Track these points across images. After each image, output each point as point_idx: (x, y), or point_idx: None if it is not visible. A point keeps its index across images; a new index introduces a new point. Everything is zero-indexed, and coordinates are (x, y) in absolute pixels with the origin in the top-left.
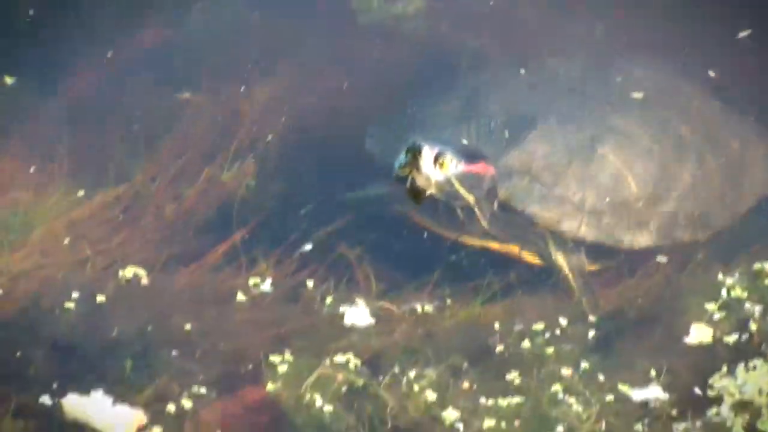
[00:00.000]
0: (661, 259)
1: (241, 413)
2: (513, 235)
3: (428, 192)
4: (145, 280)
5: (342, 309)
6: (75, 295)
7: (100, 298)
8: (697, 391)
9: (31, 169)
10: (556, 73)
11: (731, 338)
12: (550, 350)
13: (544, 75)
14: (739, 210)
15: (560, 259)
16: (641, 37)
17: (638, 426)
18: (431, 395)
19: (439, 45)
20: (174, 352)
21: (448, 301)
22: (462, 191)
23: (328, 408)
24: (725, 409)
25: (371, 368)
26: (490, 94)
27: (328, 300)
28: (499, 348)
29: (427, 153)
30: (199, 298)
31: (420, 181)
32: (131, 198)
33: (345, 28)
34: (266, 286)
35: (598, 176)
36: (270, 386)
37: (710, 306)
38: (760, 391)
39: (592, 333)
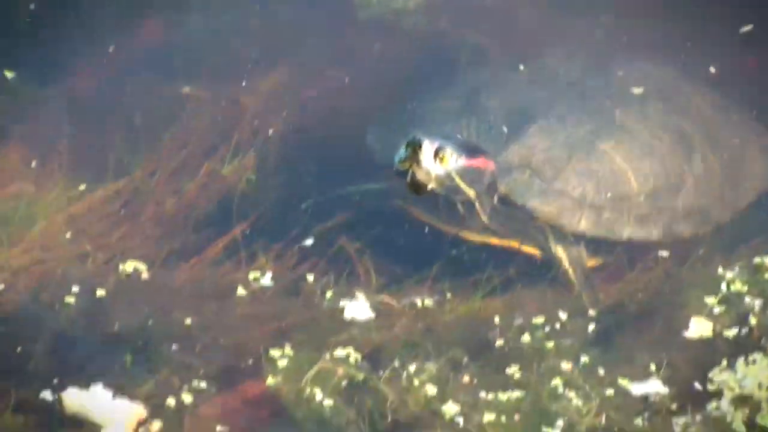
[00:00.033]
0: (663, 253)
1: (242, 407)
2: (513, 230)
3: (428, 186)
4: (145, 275)
5: (342, 303)
6: (75, 289)
7: (101, 293)
8: (697, 385)
9: (32, 164)
10: (556, 69)
11: (731, 332)
12: (550, 344)
13: (544, 70)
14: (739, 204)
15: (560, 253)
16: (642, 33)
17: (638, 420)
18: (431, 389)
19: (439, 40)
20: (174, 347)
21: (448, 295)
22: (462, 185)
23: (329, 402)
24: (725, 404)
25: (371, 362)
26: (490, 90)
27: (329, 294)
28: (499, 342)
29: (428, 147)
30: (200, 292)
31: (420, 175)
32: (131, 192)
33: (345, 22)
34: (266, 280)
35: (598, 171)
36: (270, 380)
37: (710, 300)
38: (759, 386)
39: (592, 327)
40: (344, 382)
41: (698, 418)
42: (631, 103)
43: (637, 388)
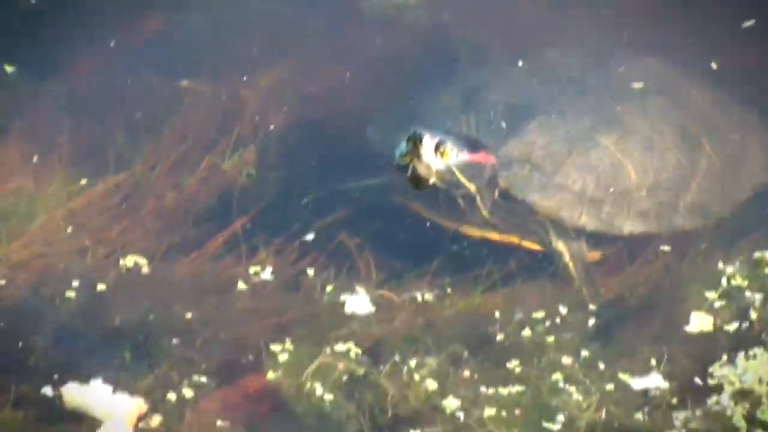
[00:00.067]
0: (665, 248)
1: (242, 402)
2: (514, 224)
3: (429, 181)
4: (145, 269)
5: (342, 297)
6: (75, 284)
7: (101, 287)
8: (698, 379)
9: (32, 159)
10: (556, 64)
11: (732, 327)
12: (550, 339)
13: (544, 66)
14: (739, 199)
15: (561, 247)
16: (643, 29)
17: (638, 415)
18: (432, 384)
19: (440, 35)
20: (175, 341)
21: (449, 289)
22: (463, 180)
23: (329, 397)
24: (725, 398)
25: (372, 357)
26: (490, 85)
27: (329, 288)
28: (500, 337)
29: (428, 141)
30: (200, 286)
31: (421, 170)
32: (132, 187)
33: (347, 17)
34: (267, 274)
35: (598, 166)
36: (271, 375)
37: (711, 294)
38: (760, 380)
39: (592, 321)
40: (345, 377)
41: (698, 412)
42: (631, 98)
43: (637, 383)
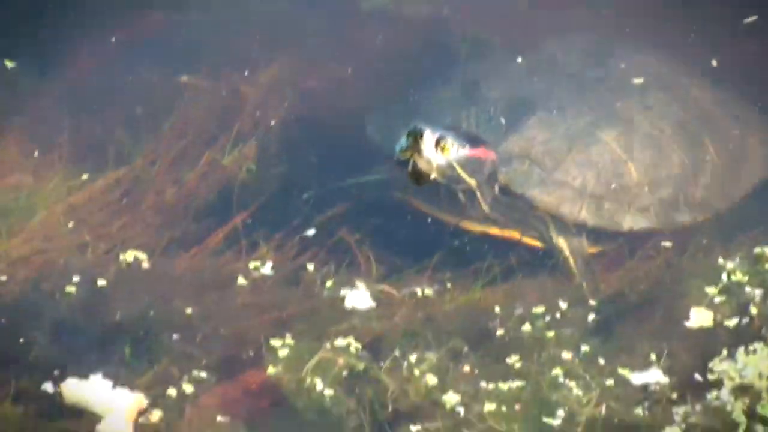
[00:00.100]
0: (665, 243)
1: (242, 397)
2: (514, 220)
3: (430, 176)
4: (145, 264)
5: (343, 292)
6: (76, 279)
7: (101, 283)
8: (697, 375)
9: (32, 154)
10: (556, 60)
11: (731, 322)
12: (550, 334)
13: (544, 61)
14: (739, 195)
15: (561, 242)
16: (644, 25)
17: (638, 410)
18: (432, 379)
19: (440, 31)
20: (175, 336)
21: (449, 285)
22: (463, 175)
23: (329, 392)
24: (725, 393)
25: (372, 352)
26: (490, 81)
27: (329, 283)
28: (500, 332)
29: (429, 136)
30: (200, 282)
31: (421, 165)
32: (132, 182)
33: (347, 13)
34: (267, 269)
35: (598, 161)
36: (271, 370)
37: (711, 290)
38: (760, 375)
39: (592, 316)
40: (345, 372)
41: (698, 407)
42: (632, 94)
43: (637, 378)
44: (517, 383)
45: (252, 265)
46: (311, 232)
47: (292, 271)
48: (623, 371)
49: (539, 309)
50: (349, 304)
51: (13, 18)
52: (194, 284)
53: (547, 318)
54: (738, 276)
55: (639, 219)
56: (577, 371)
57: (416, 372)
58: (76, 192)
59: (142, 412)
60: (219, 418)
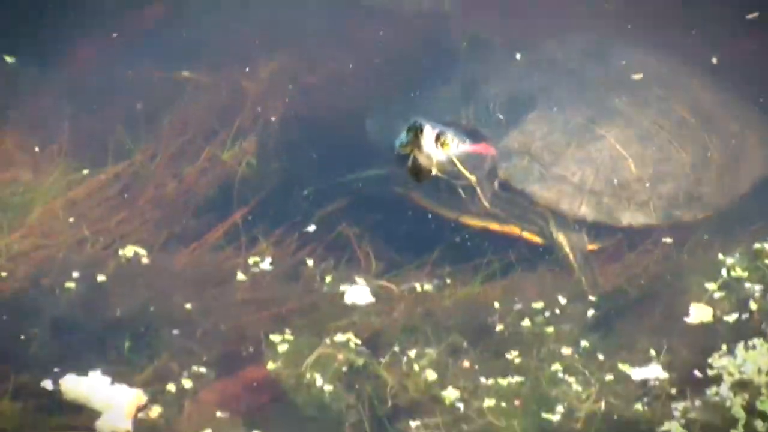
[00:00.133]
0: (664, 239)
1: (242, 393)
2: (514, 215)
3: (429, 171)
4: (145, 260)
5: (342, 288)
6: (75, 274)
7: (101, 278)
8: (697, 370)
9: (32, 149)
10: (555, 56)
11: (731, 318)
12: (549, 329)
13: (543, 57)
14: (739, 190)
15: (560, 238)
16: (643, 22)
17: (638, 405)
18: (431, 374)
19: (441, 27)
20: (174, 332)
21: (448, 280)
22: (463, 171)
23: (329, 387)
24: (725, 389)
25: (371, 347)
26: (490, 77)
27: (329, 279)
28: (499, 327)
29: (429, 132)
30: (200, 277)
31: (421, 160)
32: (131, 177)
33: (348, 8)
34: (266, 265)
35: (598, 157)
36: (270, 365)
37: (710, 285)
38: (759, 371)
39: (591, 312)
40: (344, 368)
41: (698, 403)
42: (631, 90)
43: (636, 373)
44: (516, 379)
45: (251, 260)
46: (311, 228)
47: (291, 267)
48: (623, 367)
49: (539, 304)
50: (348, 299)
51: (13, 13)
52: (194, 280)
53: (547, 313)
54: (738, 272)
55: (638, 215)
56: (576, 367)
57: (416, 367)
58: (76, 187)
59: (141, 408)
60: (218, 414)
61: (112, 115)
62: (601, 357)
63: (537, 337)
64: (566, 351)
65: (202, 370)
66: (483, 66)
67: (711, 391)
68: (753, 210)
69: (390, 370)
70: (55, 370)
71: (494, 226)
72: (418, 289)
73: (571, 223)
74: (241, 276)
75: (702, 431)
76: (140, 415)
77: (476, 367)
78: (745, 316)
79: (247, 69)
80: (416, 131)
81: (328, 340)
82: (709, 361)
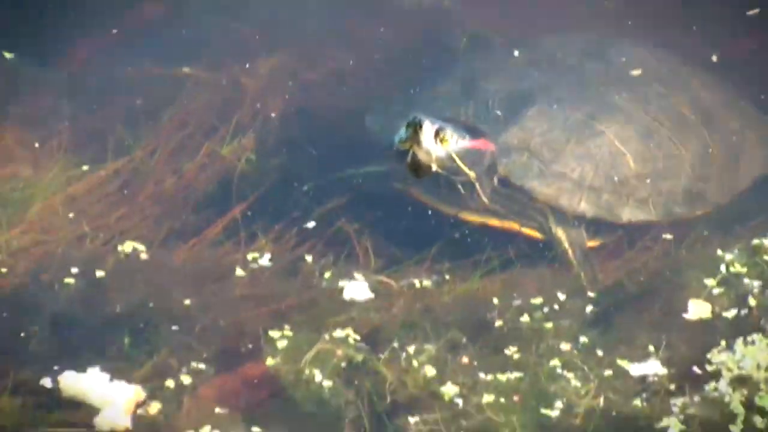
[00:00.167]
0: (664, 235)
1: (241, 388)
2: (513, 211)
3: (429, 167)
4: (144, 255)
5: (341, 284)
6: (74, 270)
7: (100, 274)
8: (696, 366)
9: (32, 145)
10: (554, 52)
11: (730, 313)
12: (548, 325)
13: (543, 54)
14: (738, 187)
15: (560, 234)
16: (645, 20)
17: (636, 401)
18: (430, 370)
19: (441, 23)
20: (173, 328)
21: (447, 276)
22: (462, 167)
23: (328, 383)
24: (723, 384)
25: (370, 343)
26: (490, 73)
27: (328, 275)
28: (498, 323)
29: (428, 127)
30: (199, 273)
31: (420, 156)
32: (131, 173)
33: (348, 5)
34: (265, 260)
35: (597, 153)
36: (269, 361)
37: (710, 281)
38: (758, 366)
39: (590, 308)
40: (343, 363)
41: (696, 398)
42: (631, 86)
43: (635, 369)
44: (515, 374)
45: (251, 256)
46: (311, 224)
47: (290, 263)
48: (622, 362)
49: (538, 300)
50: (347, 295)
51: (13, 8)
52: (193, 275)
53: (546, 309)
54: (737, 267)
55: (637, 211)
56: (575, 362)
57: (415, 363)
58: (76, 183)
59: (140, 404)
60: (217, 410)
61: (112, 111)
62: (600, 353)
63: (536, 333)
64: (565, 347)
65: (201, 366)
66: (483, 63)
67: (710, 386)
68: (752, 206)
69: (389, 365)
70: (55, 367)
71: (493, 222)
72: (417, 284)
73: (571, 219)
74: (240, 272)
75: (701, 427)
76: (139, 411)
77: (475, 362)
78: (744, 311)
79: (247, 65)
80: (415, 127)
81: (327, 336)
82: (708, 356)
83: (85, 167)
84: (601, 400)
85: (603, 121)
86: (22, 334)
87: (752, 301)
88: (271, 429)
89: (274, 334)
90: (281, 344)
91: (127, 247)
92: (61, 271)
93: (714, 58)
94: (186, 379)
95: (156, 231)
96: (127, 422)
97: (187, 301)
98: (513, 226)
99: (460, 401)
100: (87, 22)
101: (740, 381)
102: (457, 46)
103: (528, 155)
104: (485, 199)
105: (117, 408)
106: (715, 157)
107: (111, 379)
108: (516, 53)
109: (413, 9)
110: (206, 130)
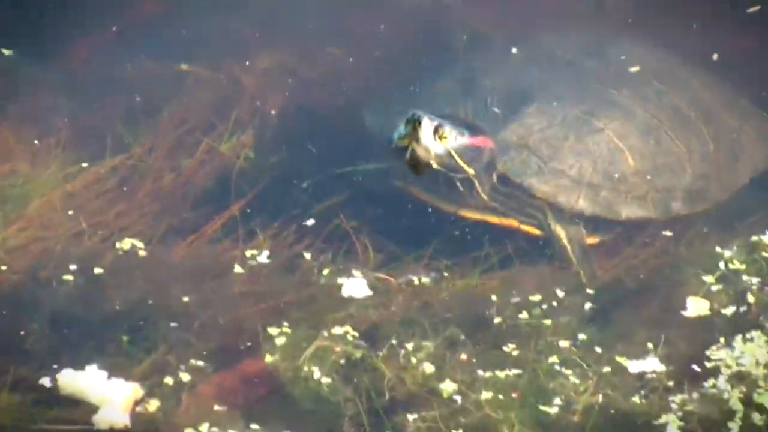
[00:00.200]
0: (662, 232)
1: (240, 385)
2: (512, 208)
3: (428, 163)
4: (143, 252)
5: (340, 280)
6: (73, 267)
7: (98, 271)
8: (694, 363)
9: (30, 142)
10: (554, 50)
11: (729, 310)
12: (547, 322)
13: (542, 51)
14: (736, 184)
15: (559, 231)
16: (644, 18)
17: (635, 398)
18: (429, 367)
19: (440, 20)
20: (172, 325)
21: (446, 273)
22: (461, 164)
23: (326, 380)
24: (722, 381)
25: (369, 340)
26: (489, 70)
27: (326, 272)
28: (497, 320)
29: (427, 124)
30: (197, 270)
31: (419, 152)
32: (129, 169)
33: (347, 2)
34: (263, 257)
35: (596, 150)
36: (268, 358)
37: (708, 278)
38: (757, 363)
39: (589, 305)
40: (342, 360)
41: (695, 395)
42: (629, 83)
43: (634, 366)
44: (514, 371)
45: (249, 253)
46: (310, 221)
47: (289, 260)
48: (620, 359)
49: (536, 297)
50: (346, 292)
51: (12, 6)
52: (191, 272)
53: (545, 306)
54: (735, 264)
55: (636, 208)
56: (574, 359)
57: (413, 360)
58: (74, 179)
59: (138, 402)
60: (216, 407)
61: (111, 109)
62: (598, 350)
63: (535, 330)
64: (564, 344)
65: (200, 363)
66: (482, 60)
67: (708, 383)
68: (751, 203)
69: (387, 362)
70: (54, 365)
71: (492, 219)
72: (416, 281)
73: (569, 217)
74: (238, 269)
75: (699, 424)
76: (138, 408)
77: (474, 359)
78: (742, 308)
79: (246, 63)
80: (414, 124)
81: (325, 333)
82: (707, 353)
83: (84, 164)
84: (600, 396)
85: (602, 118)
86: (20, 332)
87: (751, 298)
88: (270, 426)
89: (272, 331)
90: (280, 341)
91: (126, 243)
92: (59, 268)
93: (714, 57)
94: (185, 377)
95: (154, 228)
96: (125, 420)
97: (186, 298)
98: (512, 223)
99: (458, 398)
100: (86, 20)
101: (739, 378)
102: (457, 45)
103: (527, 152)
104: (484, 196)
105: (115, 405)
106: (714, 154)
107: (109, 377)
108: (515, 51)
109: (413, 7)
110: (205, 127)
